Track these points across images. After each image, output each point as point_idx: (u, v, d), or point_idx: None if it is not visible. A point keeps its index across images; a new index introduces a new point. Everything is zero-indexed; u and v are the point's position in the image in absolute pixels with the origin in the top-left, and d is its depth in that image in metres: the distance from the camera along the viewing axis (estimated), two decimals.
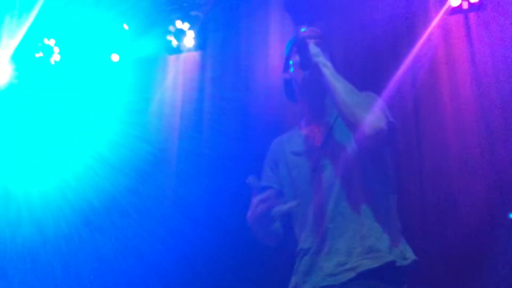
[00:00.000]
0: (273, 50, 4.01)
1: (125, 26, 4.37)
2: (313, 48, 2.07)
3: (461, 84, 3.41)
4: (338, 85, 1.99)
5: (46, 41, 4.45)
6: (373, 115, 1.96)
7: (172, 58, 4.35)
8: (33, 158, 4.15)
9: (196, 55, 4.30)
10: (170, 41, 4.31)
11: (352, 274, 1.91)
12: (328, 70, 2.02)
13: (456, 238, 3.12)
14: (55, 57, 4.47)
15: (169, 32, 4.29)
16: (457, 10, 3.52)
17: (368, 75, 3.59)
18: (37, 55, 4.47)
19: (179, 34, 4.29)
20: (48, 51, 4.46)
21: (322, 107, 2.23)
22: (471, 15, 3.51)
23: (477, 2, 3.44)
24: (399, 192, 3.21)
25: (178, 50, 4.31)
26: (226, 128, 3.81)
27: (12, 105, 4.29)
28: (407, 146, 3.40)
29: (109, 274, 3.70)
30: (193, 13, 4.28)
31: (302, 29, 2.29)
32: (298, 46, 2.11)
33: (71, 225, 3.86)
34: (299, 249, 2.10)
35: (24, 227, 3.90)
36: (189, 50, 4.30)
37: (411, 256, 2.00)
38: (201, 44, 4.27)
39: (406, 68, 3.52)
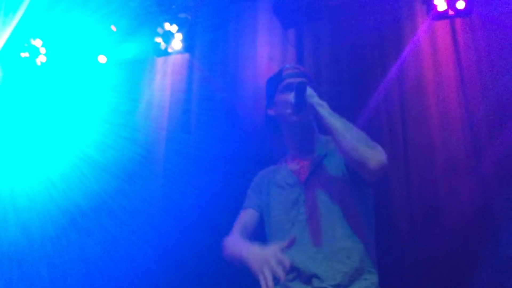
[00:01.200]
0: (261, 52, 4.03)
1: (113, 28, 4.34)
2: (308, 90, 2.14)
3: (447, 89, 3.45)
4: (337, 123, 2.05)
5: (32, 41, 4.40)
6: (375, 150, 2.02)
7: (160, 60, 4.34)
8: (20, 159, 4.11)
9: (184, 57, 4.29)
10: (158, 43, 4.29)
11: None
12: (325, 110, 2.09)
13: (442, 241, 3.14)
14: (41, 58, 4.42)
15: (157, 34, 4.27)
16: (443, 15, 3.57)
17: (355, 80, 3.63)
18: (22, 54, 4.42)
19: (167, 36, 4.27)
20: (34, 51, 4.41)
21: (309, 144, 2.30)
22: (457, 20, 3.56)
23: (463, 8, 3.49)
24: (386, 195, 3.28)
25: (166, 52, 4.30)
26: (214, 129, 3.81)
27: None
28: (393, 149, 3.43)
29: (97, 276, 3.67)
30: (181, 15, 4.27)
31: (286, 66, 2.40)
32: (296, 89, 2.14)
33: (58, 227, 3.82)
34: None
35: (10, 229, 3.86)
36: (177, 52, 4.28)
37: None
38: (189, 46, 4.26)
39: (393, 73, 3.56)
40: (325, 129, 2.12)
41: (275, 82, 2.35)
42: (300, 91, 2.14)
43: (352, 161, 2.03)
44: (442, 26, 3.59)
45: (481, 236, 3.07)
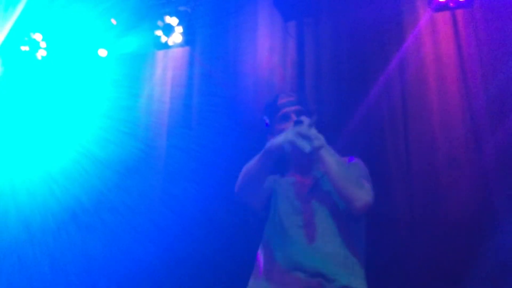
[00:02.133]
0: (261, 44, 4.01)
1: (113, 21, 4.32)
2: (313, 131, 2.27)
3: (448, 80, 3.44)
4: (332, 159, 2.23)
5: (32, 35, 4.39)
6: (362, 191, 2.23)
7: (160, 53, 4.32)
8: (20, 154, 4.11)
9: (184, 50, 4.27)
10: (159, 36, 4.28)
11: None
12: (327, 153, 2.24)
13: (443, 233, 3.14)
14: (42, 52, 4.41)
15: (158, 27, 4.26)
16: (444, 6, 3.54)
17: (356, 71, 3.61)
18: (23, 48, 4.41)
19: (168, 29, 4.26)
20: (35, 45, 4.40)
21: (307, 165, 2.47)
22: (458, 12, 3.53)
23: (464, 0, 3.47)
24: (387, 189, 3.28)
25: (166, 46, 4.28)
26: (215, 124, 3.80)
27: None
28: (394, 141, 3.42)
29: (97, 270, 3.68)
30: (181, 8, 4.25)
31: (281, 95, 2.54)
32: (316, 148, 2.25)
33: (58, 221, 3.83)
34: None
35: (11, 224, 3.86)
36: (177, 45, 4.27)
37: None
38: (189, 40, 4.24)
39: (394, 64, 3.55)
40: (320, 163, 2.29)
41: (272, 110, 2.50)
42: (317, 150, 2.25)
43: (340, 197, 2.23)
44: (443, 17, 3.56)
45: (482, 228, 3.06)
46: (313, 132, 2.24)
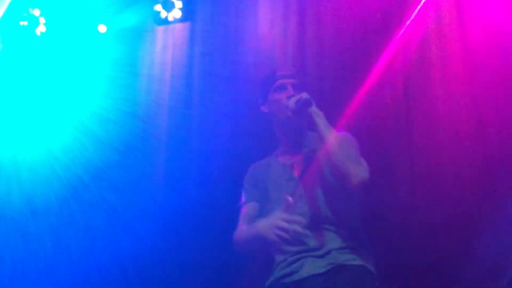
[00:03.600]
0: (262, 20, 3.97)
1: None
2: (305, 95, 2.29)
3: (451, 60, 3.39)
4: (330, 136, 2.22)
5: (31, 11, 4.35)
6: (359, 167, 2.22)
7: (160, 29, 4.28)
8: (21, 131, 4.11)
9: (184, 26, 4.23)
10: (158, 12, 4.24)
11: None
12: (321, 120, 2.25)
13: (443, 206, 3.15)
14: (41, 28, 4.37)
15: (157, 2, 4.21)
16: None
17: (357, 50, 3.58)
18: (21, 23, 4.37)
19: (167, 4, 4.21)
20: (34, 21, 4.35)
21: (299, 141, 2.47)
22: None
23: None
24: (387, 167, 3.28)
25: (166, 21, 4.24)
26: (217, 104, 3.79)
27: None
28: (396, 120, 3.41)
29: (99, 247, 3.73)
30: None
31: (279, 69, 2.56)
32: (301, 101, 2.27)
33: (60, 198, 3.86)
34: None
35: (14, 201, 3.90)
36: (177, 20, 4.22)
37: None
38: (189, 15, 4.20)
39: (397, 44, 3.51)
40: (318, 137, 2.28)
41: (269, 81, 2.50)
42: (305, 103, 2.27)
43: (337, 172, 2.21)
44: None
45: (482, 201, 3.06)
46: (314, 109, 2.24)
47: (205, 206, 3.50)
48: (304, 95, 2.30)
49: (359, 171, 2.18)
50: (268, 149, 2.75)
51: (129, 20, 4.29)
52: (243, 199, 2.54)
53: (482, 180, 3.12)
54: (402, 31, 3.51)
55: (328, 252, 2.21)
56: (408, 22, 3.50)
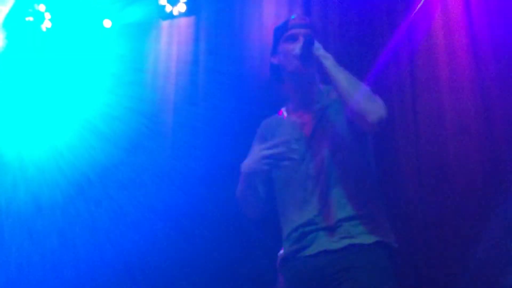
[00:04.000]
0: (267, 11, 3.95)
1: None
2: (315, 43, 2.15)
3: (458, 53, 3.37)
4: (341, 75, 2.08)
5: (36, 6, 4.34)
6: (376, 104, 2.06)
7: (165, 24, 4.26)
8: (26, 127, 4.12)
9: (189, 20, 4.21)
10: (163, 6, 4.22)
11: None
12: (329, 62, 2.11)
13: (450, 202, 3.13)
14: (47, 23, 4.36)
15: None
16: None
17: (363, 45, 3.54)
18: (27, 18, 4.36)
19: None
20: (39, 17, 4.35)
21: (310, 95, 2.30)
22: None
23: None
24: (394, 156, 3.26)
25: (171, 16, 4.23)
26: (222, 99, 3.77)
27: (4, 73, 4.22)
28: (402, 112, 3.39)
29: (105, 245, 3.73)
30: None
31: (292, 17, 2.36)
32: (304, 42, 2.15)
33: (66, 196, 3.87)
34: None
35: (21, 198, 3.91)
36: (182, 15, 4.21)
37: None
38: (194, 9, 4.18)
39: (402, 36, 3.47)
40: (329, 81, 2.14)
41: (280, 31, 2.34)
42: (307, 44, 2.15)
43: (352, 113, 2.07)
44: None
45: (488, 197, 3.04)
46: (321, 52, 2.12)
47: (210, 204, 3.50)
48: (307, 35, 2.19)
49: (375, 107, 2.04)
50: None
51: (134, 15, 4.28)
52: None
53: (488, 174, 3.11)
54: (407, 25, 3.47)
55: (339, 224, 2.04)
56: (413, 15, 3.47)
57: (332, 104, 2.23)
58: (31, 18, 4.36)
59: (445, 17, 3.45)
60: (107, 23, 4.33)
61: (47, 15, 4.36)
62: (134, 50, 4.17)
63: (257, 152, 2.05)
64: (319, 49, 2.15)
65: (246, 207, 2.26)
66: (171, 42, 4.19)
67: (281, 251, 2.26)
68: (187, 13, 4.22)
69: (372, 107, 2.03)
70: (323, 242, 2.04)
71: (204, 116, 3.84)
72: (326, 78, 2.16)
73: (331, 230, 2.04)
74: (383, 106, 2.06)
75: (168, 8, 4.24)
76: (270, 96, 3.41)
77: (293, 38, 2.25)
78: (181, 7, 4.22)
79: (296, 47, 2.19)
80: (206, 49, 4.03)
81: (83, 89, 4.11)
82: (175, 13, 4.24)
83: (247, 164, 2.11)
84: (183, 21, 4.23)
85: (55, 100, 4.15)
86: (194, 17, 4.22)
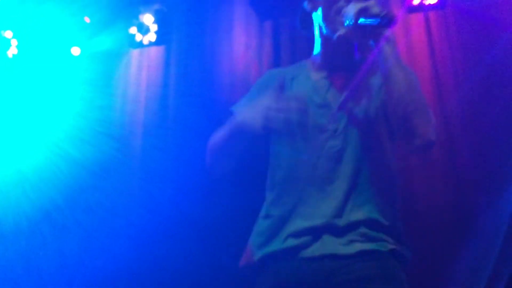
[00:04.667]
0: (237, 43, 4.02)
1: (87, 19, 4.27)
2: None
3: (420, 82, 3.47)
4: (400, 75, 1.61)
5: (2, 33, 4.30)
6: (428, 125, 1.62)
7: (135, 52, 4.28)
8: None
9: (160, 49, 4.25)
10: (133, 35, 4.25)
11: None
12: (392, 52, 1.64)
13: (415, 234, 3.17)
14: (13, 50, 4.32)
15: (132, 26, 4.22)
16: (418, 8, 3.60)
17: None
18: None
19: (143, 28, 4.23)
20: (5, 43, 4.30)
21: (344, 61, 1.85)
22: (431, 14, 3.60)
23: (436, 2, 3.53)
24: None
25: (141, 45, 4.25)
26: (192, 124, 3.77)
27: None
28: None
29: (72, 271, 3.62)
30: (156, 6, 4.23)
31: None
32: (383, 21, 1.59)
33: (32, 222, 3.75)
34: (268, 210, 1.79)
35: None
36: (152, 44, 4.24)
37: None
38: (165, 38, 4.22)
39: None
40: (382, 76, 1.66)
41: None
42: (386, 20, 1.57)
43: (398, 128, 1.63)
44: (416, 20, 3.62)
45: (455, 230, 3.12)
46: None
47: (181, 228, 3.45)
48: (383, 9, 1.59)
49: (428, 129, 1.60)
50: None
51: (103, 43, 4.28)
52: (238, 103, 1.90)
53: (451, 207, 3.19)
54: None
55: (352, 226, 1.64)
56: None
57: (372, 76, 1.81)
58: None
59: (409, 48, 3.58)
60: (76, 51, 4.32)
61: (14, 42, 4.31)
62: (103, 75, 4.16)
63: (269, 100, 1.56)
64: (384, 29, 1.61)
65: (216, 158, 1.84)
66: (141, 67, 4.20)
67: (251, 243, 1.81)
68: (157, 43, 4.24)
69: (425, 128, 1.60)
70: (329, 244, 1.64)
71: (174, 139, 3.83)
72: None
73: (340, 230, 1.64)
74: (434, 128, 1.65)
75: (138, 37, 4.26)
76: None
77: None
78: (151, 37, 4.25)
79: (350, 10, 1.64)
80: (176, 73, 4.06)
81: (51, 113, 4.04)
82: (145, 42, 4.26)
83: (247, 112, 1.63)
84: (154, 49, 4.25)
85: (22, 125, 4.06)
86: (164, 46, 4.24)
